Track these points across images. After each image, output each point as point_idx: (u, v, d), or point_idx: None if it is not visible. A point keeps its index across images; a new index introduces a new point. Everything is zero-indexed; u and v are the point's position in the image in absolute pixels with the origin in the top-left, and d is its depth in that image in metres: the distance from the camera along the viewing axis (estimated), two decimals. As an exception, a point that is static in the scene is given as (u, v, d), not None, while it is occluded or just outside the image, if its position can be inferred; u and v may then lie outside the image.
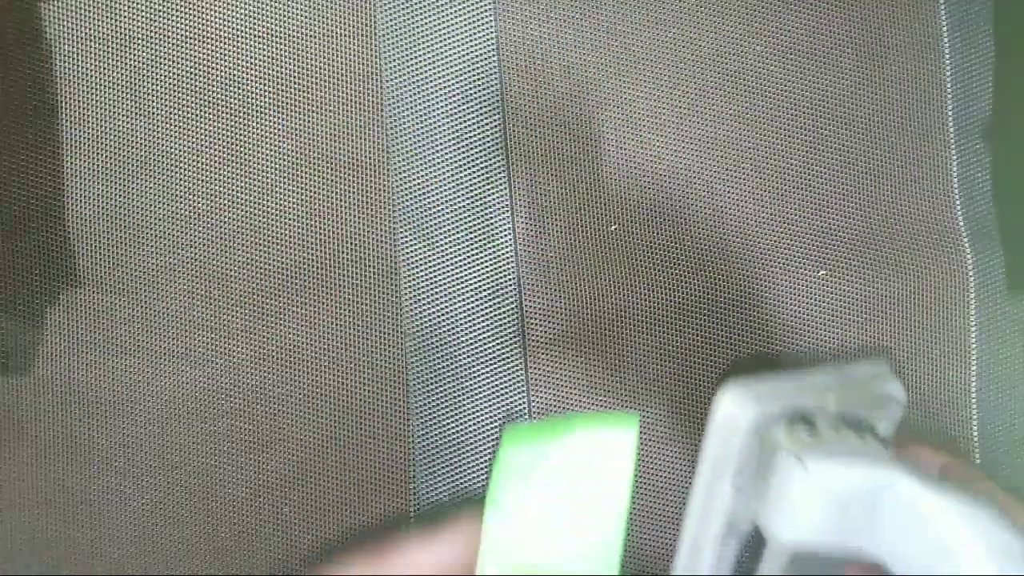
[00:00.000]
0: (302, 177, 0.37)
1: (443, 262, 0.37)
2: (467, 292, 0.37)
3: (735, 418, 0.22)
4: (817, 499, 0.21)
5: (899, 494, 0.21)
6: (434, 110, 0.36)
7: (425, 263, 0.37)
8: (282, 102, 0.37)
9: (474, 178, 0.37)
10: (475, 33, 0.37)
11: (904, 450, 0.26)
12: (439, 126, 0.36)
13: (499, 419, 0.37)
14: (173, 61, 0.36)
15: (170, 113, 0.36)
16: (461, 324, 0.37)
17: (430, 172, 0.37)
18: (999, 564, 0.21)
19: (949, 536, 0.21)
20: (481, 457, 0.37)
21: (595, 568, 0.22)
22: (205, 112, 0.36)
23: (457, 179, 0.37)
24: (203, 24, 0.36)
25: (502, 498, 0.22)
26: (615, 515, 0.22)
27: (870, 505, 0.21)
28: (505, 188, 0.37)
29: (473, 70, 0.37)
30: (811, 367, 0.25)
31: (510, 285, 0.37)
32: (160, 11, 0.36)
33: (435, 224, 0.37)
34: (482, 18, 0.37)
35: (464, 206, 0.37)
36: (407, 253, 0.37)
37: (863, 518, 0.21)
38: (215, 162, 0.36)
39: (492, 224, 0.37)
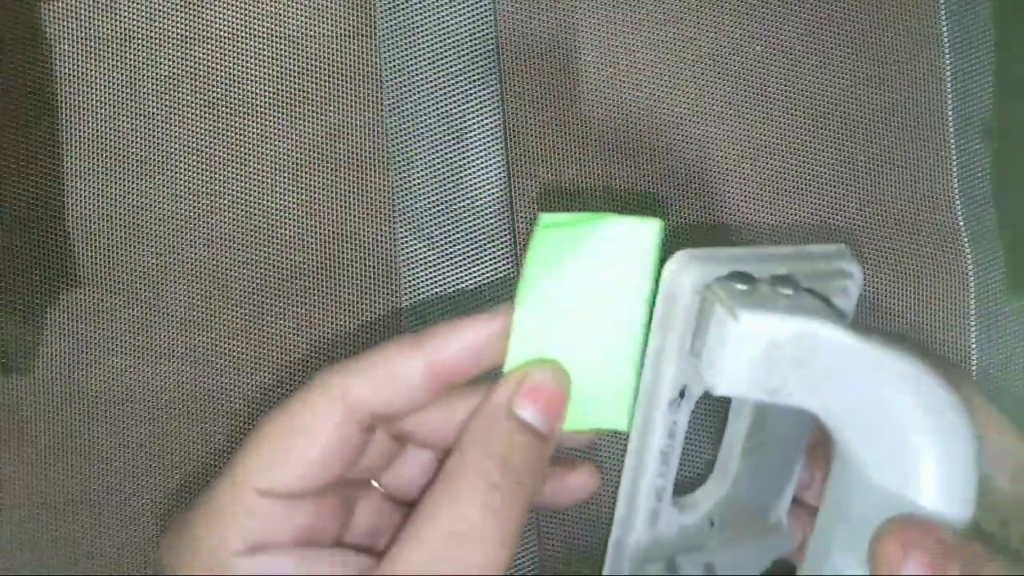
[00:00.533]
0: (302, 177, 0.37)
1: (443, 262, 0.37)
2: (467, 292, 0.37)
3: (678, 282, 0.23)
4: (747, 348, 0.22)
5: (828, 346, 0.21)
6: (434, 110, 0.36)
7: (425, 263, 0.37)
8: (282, 102, 0.37)
9: (474, 178, 0.37)
10: (475, 33, 0.37)
11: None
12: (439, 126, 0.36)
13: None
14: (173, 61, 0.36)
15: (170, 113, 0.36)
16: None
17: (430, 172, 0.37)
18: (925, 413, 0.21)
19: (877, 386, 0.21)
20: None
21: (617, 361, 0.23)
22: (205, 112, 0.36)
23: (457, 179, 0.37)
24: (203, 24, 0.36)
25: (532, 287, 0.23)
26: (638, 308, 0.23)
27: (800, 358, 0.21)
28: (505, 187, 0.37)
29: (473, 70, 0.37)
30: (763, 246, 0.25)
31: (510, 285, 0.37)
32: (160, 11, 0.36)
33: (435, 224, 0.37)
34: (482, 18, 0.37)
35: (464, 206, 0.37)
36: (407, 253, 0.37)
37: (794, 370, 0.22)
38: (215, 162, 0.36)
39: (492, 224, 0.37)
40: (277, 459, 0.21)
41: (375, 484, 0.25)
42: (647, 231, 0.23)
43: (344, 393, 0.22)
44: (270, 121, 0.37)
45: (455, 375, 0.23)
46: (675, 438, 0.26)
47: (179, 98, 0.36)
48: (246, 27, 0.36)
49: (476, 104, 0.37)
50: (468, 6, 0.36)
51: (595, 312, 0.23)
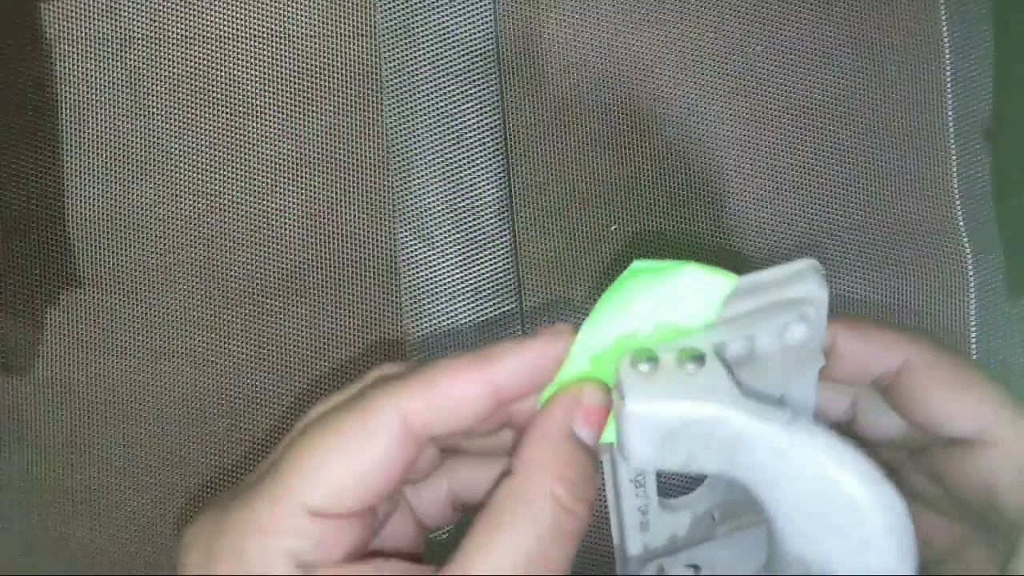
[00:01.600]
0: (302, 177, 0.37)
1: (443, 262, 0.37)
2: (467, 292, 0.37)
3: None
4: (644, 431, 0.22)
5: (723, 427, 0.22)
6: (434, 110, 0.36)
7: (425, 263, 0.37)
8: (282, 102, 0.37)
9: (474, 178, 0.37)
10: (475, 33, 0.37)
11: (855, 329, 0.25)
12: (439, 126, 0.36)
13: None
14: (173, 61, 0.36)
15: (170, 113, 0.36)
16: (461, 324, 0.37)
17: (430, 172, 0.37)
18: (821, 488, 0.21)
19: (776, 459, 0.21)
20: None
21: None
22: (205, 112, 0.36)
23: (457, 179, 0.37)
24: (203, 24, 0.36)
25: (601, 313, 0.23)
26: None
27: (701, 434, 0.22)
28: (505, 188, 0.37)
29: (473, 70, 0.37)
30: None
31: (510, 285, 0.37)
32: (160, 11, 0.36)
33: (435, 224, 0.37)
34: (482, 18, 0.37)
35: (464, 206, 0.37)
36: (407, 253, 0.37)
37: (699, 446, 0.22)
38: (215, 162, 0.36)
39: (492, 224, 0.37)
40: (330, 479, 0.21)
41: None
42: (722, 283, 0.23)
43: (403, 414, 0.21)
44: (270, 121, 0.37)
45: (516, 396, 0.23)
46: (644, 472, 0.26)
47: (179, 98, 0.36)
48: (246, 27, 0.36)
49: (476, 104, 0.37)
50: (468, 6, 0.36)
51: (651, 342, 0.23)
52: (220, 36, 0.36)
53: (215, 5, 0.36)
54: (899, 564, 0.21)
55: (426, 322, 0.37)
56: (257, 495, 0.20)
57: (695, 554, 0.28)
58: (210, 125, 0.36)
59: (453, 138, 0.36)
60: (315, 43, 0.37)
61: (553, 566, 0.21)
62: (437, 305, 0.37)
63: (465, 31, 0.36)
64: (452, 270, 0.37)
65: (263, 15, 0.36)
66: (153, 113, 0.36)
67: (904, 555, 0.21)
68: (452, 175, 0.37)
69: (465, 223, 0.37)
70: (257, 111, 0.36)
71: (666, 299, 0.23)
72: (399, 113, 0.37)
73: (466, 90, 0.37)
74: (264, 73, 0.36)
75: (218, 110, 0.36)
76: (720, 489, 0.28)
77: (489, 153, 0.37)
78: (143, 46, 0.36)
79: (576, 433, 0.22)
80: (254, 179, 0.37)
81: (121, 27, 0.36)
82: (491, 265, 0.37)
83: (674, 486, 0.31)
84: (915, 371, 0.24)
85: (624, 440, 0.23)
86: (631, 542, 0.27)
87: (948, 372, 0.24)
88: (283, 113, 0.37)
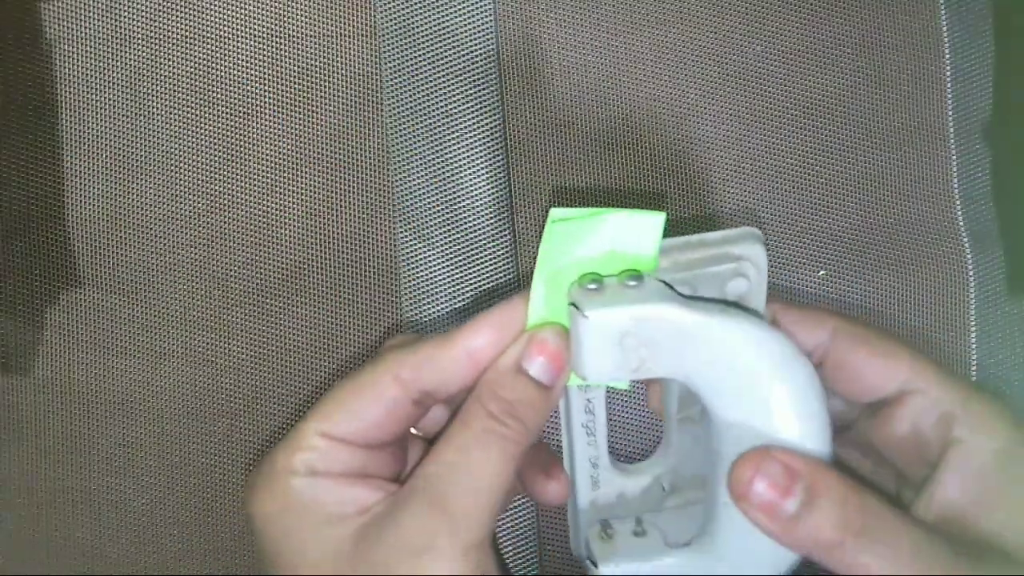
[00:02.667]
0: (302, 177, 0.37)
1: (443, 262, 0.37)
2: (467, 292, 0.37)
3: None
4: (601, 339, 0.25)
5: (665, 323, 0.25)
6: (434, 110, 0.36)
7: (425, 263, 0.37)
8: (282, 102, 0.37)
9: (474, 178, 0.37)
10: (475, 33, 0.37)
11: (790, 307, 0.29)
12: (439, 126, 0.36)
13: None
14: (173, 61, 0.36)
15: (170, 113, 0.36)
16: (461, 324, 0.37)
17: (430, 172, 0.37)
18: (769, 363, 0.25)
19: (717, 348, 0.25)
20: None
21: None
22: (205, 112, 0.36)
23: (457, 179, 0.37)
24: (203, 24, 0.36)
25: (545, 270, 0.27)
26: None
27: (647, 337, 0.25)
28: (505, 188, 0.37)
29: (473, 70, 0.37)
30: (682, 237, 0.28)
31: (510, 285, 0.37)
32: (160, 11, 0.36)
33: (435, 224, 0.37)
34: (482, 18, 0.37)
35: (464, 206, 0.37)
36: (407, 253, 0.37)
37: (646, 349, 0.25)
38: (215, 162, 0.36)
39: (492, 224, 0.37)
40: (340, 414, 0.27)
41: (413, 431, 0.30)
42: (652, 222, 0.26)
43: (396, 375, 0.27)
44: (270, 121, 0.37)
45: (489, 357, 0.27)
46: (594, 414, 0.29)
47: (179, 98, 0.36)
48: (246, 27, 0.36)
49: (476, 104, 0.37)
50: (468, 6, 0.36)
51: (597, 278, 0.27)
52: (220, 36, 0.36)
53: (215, 5, 0.36)
54: (811, 433, 0.25)
55: (426, 322, 0.37)
56: (294, 427, 0.27)
57: (643, 520, 0.30)
58: (210, 125, 0.36)
59: (453, 138, 0.36)
60: (315, 43, 0.37)
61: (490, 457, 0.26)
62: (437, 305, 0.37)
63: (465, 31, 0.36)
64: (452, 270, 0.37)
65: (263, 15, 0.36)
66: (153, 113, 0.36)
67: (814, 425, 0.25)
68: (452, 175, 0.37)
69: (465, 223, 0.37)
70: (257, 111, 0.36)
71: (604, 246, 0.27)
72: (399, 113, 0.37)
73: (466, 90, 0.37)
74: (264, 73, 0.36)
75: (218, 110, 0.36)
76: (671, 459, 0.31)
77: (489, 153, 0.37)
78: (143, 46, 0.36)
79: (525, 368, 0.27)
80: (254, 179, 0.37)
81: (121, 27, 0.36)
82: (491, 265, 0.37)
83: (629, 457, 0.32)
84: (843, 340, 0.28)
85: (581, 353, 0.26)
86: (581, 495, 0.30)
87: (872, 338, 0.28)
88: (283, 113, 0.37)
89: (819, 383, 0.26)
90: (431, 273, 0.37)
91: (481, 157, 0.37)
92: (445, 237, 0.37)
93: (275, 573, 0.27)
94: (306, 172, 0.37)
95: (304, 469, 0.26)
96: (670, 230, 0.27)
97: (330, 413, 0.27)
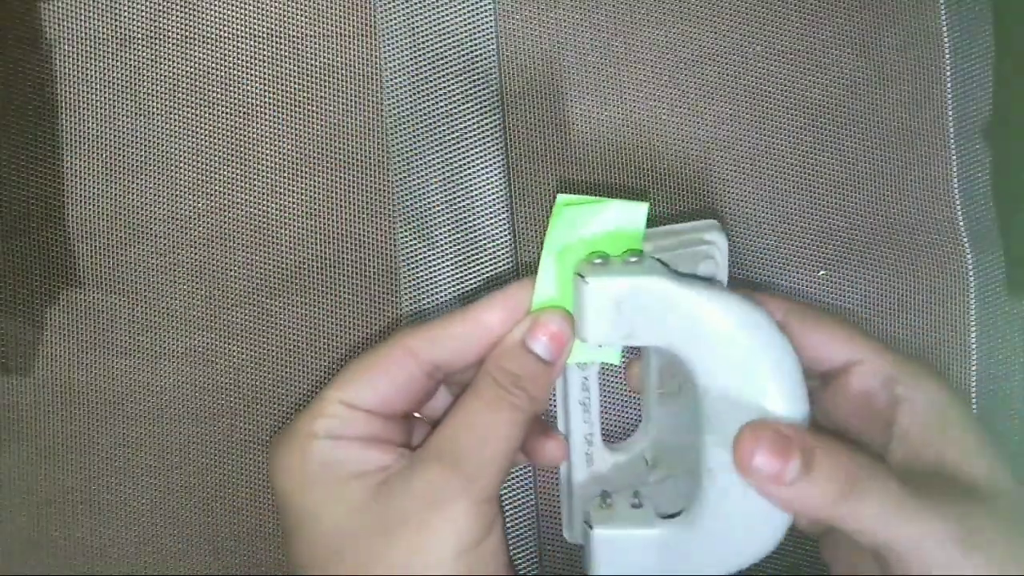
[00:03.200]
0: (302, 177, 0.37)
1: (443, 262, 0.37)
2: (467, 292, 0.37)
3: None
4: (600, 304, 0.28)
5: (657, 293, 0.28)
6: (434, 110, 0.36)
7: (425, 263, 0.37)
8: (282, 102, 0.37)
9: (474, 178, 0.37)
10: (475, 33, 0.37)
11: (749, 293, 0.31)
12: (439, 126, 0.36)
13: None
14: (173, 61, 0.36)
15: (170, 113, 0.36)
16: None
17: (430, 172, 0.37)
18: (749, 334, 0.28)
19: (697, 315, 0.28)
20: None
21: None
22: (205, 112, 0.36)
23: (457, 179, 0.37)
24: (203, 24, 0.36)
25: (552, 250, 0.30)
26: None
27: (641, 305, 0.28)
28: (505, 187, 0.37)
29: (473, 70, 0.37)
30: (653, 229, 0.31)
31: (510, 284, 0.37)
32: (160, 11, 0.36)
33: (435, 224, 0.37)
34: (482, 18, 0.37)
35: (464, 206, 0.37)
36: (407, 253, 0.37)
37: (639, 316, 0.28)
38: (215, 162, 0.36)
39: (492, 224, 0.37)
40: (358, 384, 0.29)
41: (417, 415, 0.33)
42: (639, 210, 0.30)
43: (408, 348, 0.29)
44: (270, 121, 0.37)
45: (498, 333, 0.30)
46: (589, 391, 0.32)
47: (179, 98, 0.36)
48: (246, 27, 0.36)
49: (476, 104, 0.37)
50: (468, 6, 0.36)
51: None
52: (220, 36, 0.36)
53: (215, 5, 0.36)
54: (794, 397, 0.28)
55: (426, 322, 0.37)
56: (316, 396, 0.30)
57: (640, 493, 0.32)
58: (210, 125, 0.36)
59: (453, 138, 0.36)
60: (315, 43, 0.37)
61: (496, 423, 0.28)
62: (437, 305, 0.37)
63: (465, 31, 0.36)
64: (452, 270, 0.37)
65: (263, 15, 0.36)
66: (153, 113, 0.36)
67: (796, 389, 0.28)
68: (452, 175, 0.37)
69: (465, 223, 0.37)
70: (257, 111, 0.36)
71: (601, 230, 0.30)
72: (399, 113, 0.37)
73: (466, 90, 0.37)
74: (264, 73, 0.36)
75: (218, 110, 0.36)
76: (651, 433, 0.34)
77: (489, 153, 0.37)
78: (143, 46, 0.36)
79: (530, 345, 0.29)
80: (254, 179, 0.37)
81: (121, 27, 0.36)
82: (491, 265, 0.37)
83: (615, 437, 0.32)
84: (794, 318, 0.31)
85: (583, 317, 0.29)
86: (578, 470, 0.33)
87: (819, 316, 0.31)
88: (283, 113, 0.37)
89: (794, 352, 0.28)
90: (431, 273, 0.37)
91: (481, 157, 0.37)
92: (445, 237, 0.37)
93: (298, 534, 0.28)
94: (306, 172, 0.37)
95: (325, 433, 0.29)
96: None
97: (349, 383, 0.29)
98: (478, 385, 0.29)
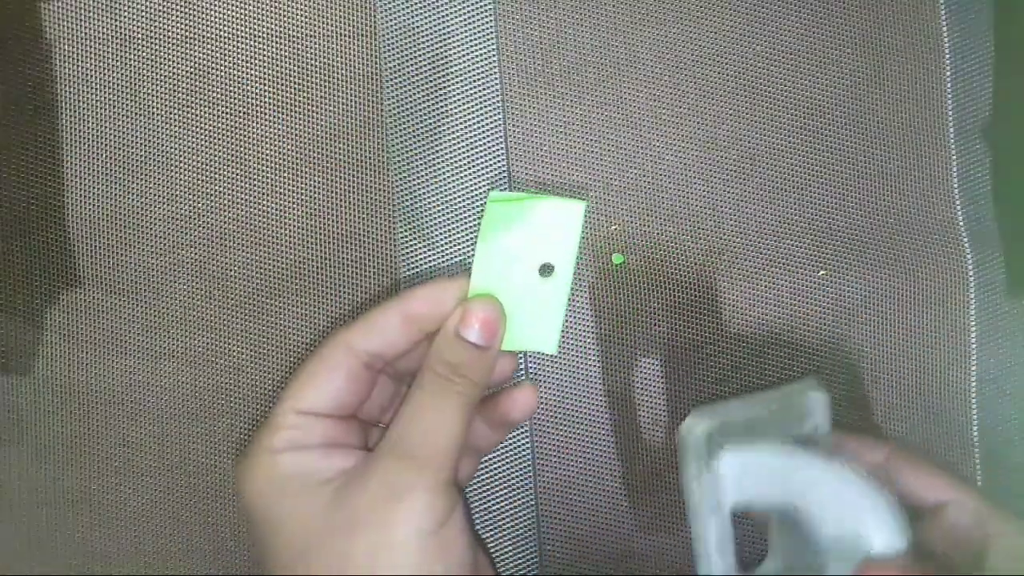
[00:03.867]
0: (302, 177, 0.37)
1: (443, 262, 0.37)
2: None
3: (690, 428, 0.31)
4: (742, 470, 0.31)
5: (783, 463, 0.31)
6: (434, 110, 0.36)
7: (425, 263, 0.37)
8: (282, 102, 0.37)
9: (474, 178, 0.37)
10: (475, 33, 0.37)
11: (845, 443, 0.34)
12: (439, 126, 0.36)
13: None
14: (173, 61, 0.36)
15: (170, 113, 0.36)
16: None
17: (430, 172, 0.37)
18: (854, 510, 0.30)
19: (821, 483, 0.30)
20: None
21: (548, 302, 0.32)
22: (205, 112, 0.36)
23: (457, 179, 0.37)
24: (203, 24, 0.36)
25: (485, 246, 0.31)
26: (567, 264, 0.31)
27: (780, 477, 0.31)
28: (505, 188, 0.37)
29: (473, 70, 0.37)
30: (757, 393, 0.34)
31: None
32: (160, 11, 0.36)
33: (435, 224, 0.37)
34: (482, 18, 0.37)
35: (464, 206, 0.37)
36: (407, 253, 0.37)
37: (777, 485, 0.31)
38: (215, 162, 0.36)
39: (492, 224, 0.37)
40: (307, 389, 0.30)
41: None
42: (575, 209, 0.31)
43: (347, 343, 0.31)
44: (270, 121, 0.37)
45: (424, 322, 0.31)
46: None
47: (179, 98, 0.36)
48: (246, 27, 0.36)
49: (476, 104, 0.37)
50: (468, 6, 0.36)
51: (532, 266, 0.31)
52: (220, 36, 0.36)
53: (215, 5, 0.36)
54: (897, 535, 0.30)
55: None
56: (273, 408, 0.30)
57: None
58: (210, 125, 0.36)
59: (453, 138, 0.36)
60: (315, 43, 0.37)
61: (442, 413, 0.29)
62: (437, 305, 0.37)
63: (465, 31, 0.36)
64: (452, 270, 0.37)
65: (263, 15, 0.36)
66: (153, 113, 0.36)
67: (894, 536, 0.30)
68: (452, 175, 0.37)
69: (465, 223, 0.37)
70: (257, 111, 0.36)
71: (535, 227, 0.31)
72: (399, 113, 0.37)
73: (466, 90, 0.37)
74: (264, 73, 0.36)
75: (218, 110, 0.36)
76: (778, 561, 0.35)
77: (489, 153, 0.37)
78: (143, 46, 0.36)
79: (463, 334, 0.30)
80: (254, 179, 0.37)
81: (121, 27, 0.36)
82: (491, 265, 0.37)
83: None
84: (898, 459, 0.34)
85: (723, 481, 0.31)
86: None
87: (920, 460, 0.34)
88: (283, 113, 0.37)
89: (895, 501, 0.30)
90: (431, 273, 0.37)
91: (481, 157, 0.37)
92: (445, 237, 0.37)
93: (266, 544, 0.29)
94: (306, 172, 0.37)
95: (285, 445, 0.30)
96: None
97: (300, 391, 0.30)
98: (422, 379, 0.30)
